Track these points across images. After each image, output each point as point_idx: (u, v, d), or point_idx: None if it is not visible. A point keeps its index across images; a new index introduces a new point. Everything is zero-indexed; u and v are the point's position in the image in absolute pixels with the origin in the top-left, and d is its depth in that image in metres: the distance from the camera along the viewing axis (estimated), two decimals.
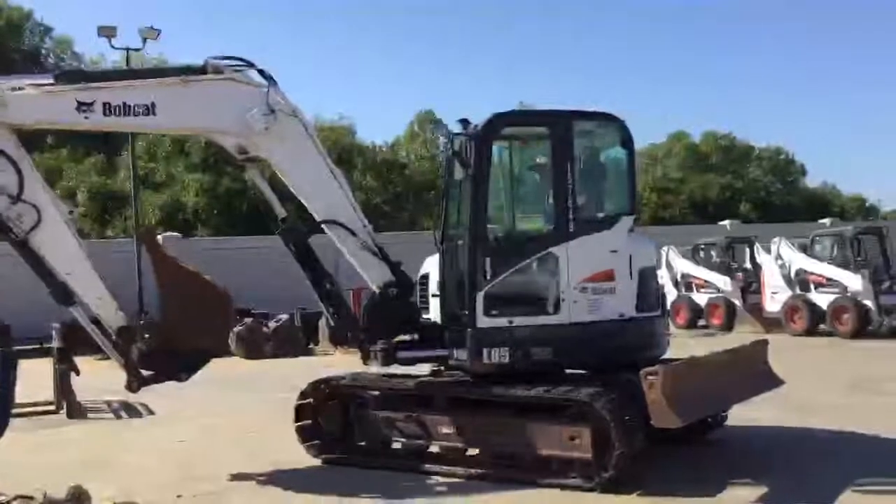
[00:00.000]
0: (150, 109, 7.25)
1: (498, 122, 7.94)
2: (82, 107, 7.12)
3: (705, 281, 23.12)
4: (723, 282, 22.58)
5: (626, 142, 8.04)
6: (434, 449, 7.97)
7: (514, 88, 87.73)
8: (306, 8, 78.30)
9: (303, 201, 7.97)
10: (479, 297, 7.60)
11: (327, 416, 8.51)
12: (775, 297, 20.84)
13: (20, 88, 7.10)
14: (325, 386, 8.55)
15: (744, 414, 8.94)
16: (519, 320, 7.66)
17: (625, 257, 7.75)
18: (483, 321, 7.60)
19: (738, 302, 22.12)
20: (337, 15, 78.92)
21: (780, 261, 21.07)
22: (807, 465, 7.83)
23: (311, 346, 20.08)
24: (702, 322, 22.76)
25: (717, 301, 22.40)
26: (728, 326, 21.85)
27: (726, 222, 31.48)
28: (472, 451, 7.80)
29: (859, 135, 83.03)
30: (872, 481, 7.17)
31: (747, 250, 23.38)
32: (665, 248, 23.56)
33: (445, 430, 7.76)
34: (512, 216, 8.56)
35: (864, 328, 19.00)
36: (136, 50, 25.69)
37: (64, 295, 7.41)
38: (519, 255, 7.82)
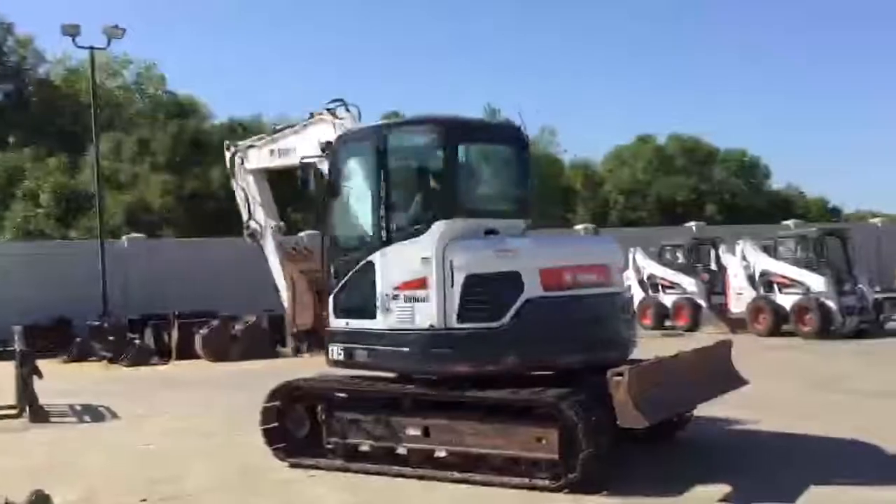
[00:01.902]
0: (293, 151, 9.27)
1: (338, 142, 8.48)
2: (273, 153, 9.74)
3: (671, 282, 23.37)
4: (688, 283, 22.85)
5: (445, 145, 7.81)
6: (402, 451, 7.97)
7: (485, 89, 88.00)
8: (268, 9, 77.87)
9: None
10: (330, 299, 8.37)
11: (294, 418, 8.47)
12: (740, 297, 21.12)
13: (254, 145, 10.13)
14: (292, 388, 8.51)
15: (709, 414, 9.04)
16: (352, 323, 8.15)
17: (440, 264, 7.47)
18: (332, 321, 8.37)
19: (703, 302, 22.38)
20: (303, 15, 78.61)
21: (744, 262, 21.34)
22: (770, 463, 7.93)
23: (278, 348, 19.95)
24: (668, 322, 23.01)
25: (683, 302, 22.65)
26: (693, 327, 22.11)
27: (692, 224, 31.77)
28: (440, 453, 7.80)
29: (823, 138, 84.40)
30: (834, 479, 7.28)
31: (712, 251, 23.67)
32: (632, 250, 23.77)
33: (413, 431, 7.76)
34: (357, 226, 8.48)
35: (826, 328, 19.31)
36: (101, 49, 25.40)
37: (275, 287, 9.85)
38: (352, 262, 8.17)
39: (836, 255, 20.55)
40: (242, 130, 40.65)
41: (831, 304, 19.44)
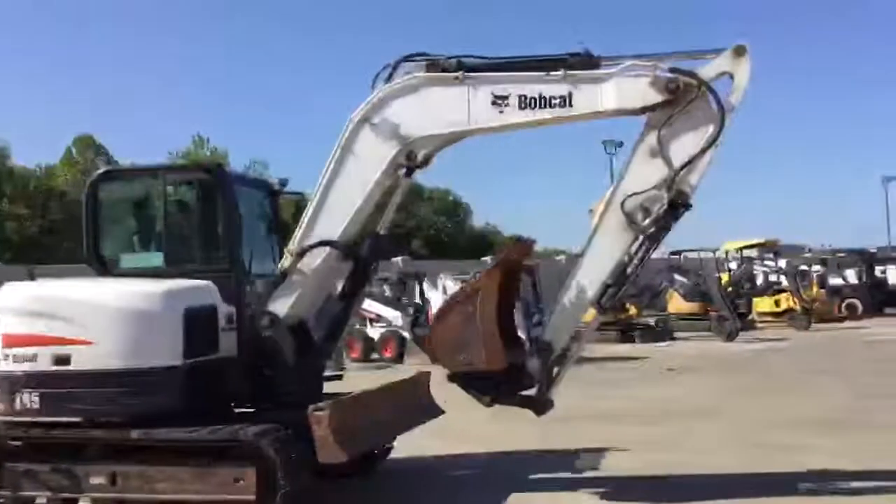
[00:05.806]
0: None
1: None
2: None
3: (378, 315, 23.86)
4: (394, 316, 23.46)
5: None
6: (85, 502, 7.30)
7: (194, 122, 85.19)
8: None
9: None
10: None
11: None
12: None
13: None
14: None
15: (410, 443, 9.26)
16: None
17: None
18: None
19: (407, 335, 23.06)
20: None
21: (445, 295, 22.31)
22: (465, 487, 8.30)
23: None
24: (375, 355, 23.43)
25: (389, 334, 23.22)
26: (399, 359, 22.70)
27: (398, 258, 32.82)
28: (130, 502, 7.22)
29: (522, 179, 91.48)
30: (525, 499, 7.73)
31: (417, 285, 24.52)
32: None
33: (98, 480, 7.13)
34: None
35: None
36: None
37: None
38: None
39: (527, 289, 22.11)
40: None
41: (521, 333, 20.79)
